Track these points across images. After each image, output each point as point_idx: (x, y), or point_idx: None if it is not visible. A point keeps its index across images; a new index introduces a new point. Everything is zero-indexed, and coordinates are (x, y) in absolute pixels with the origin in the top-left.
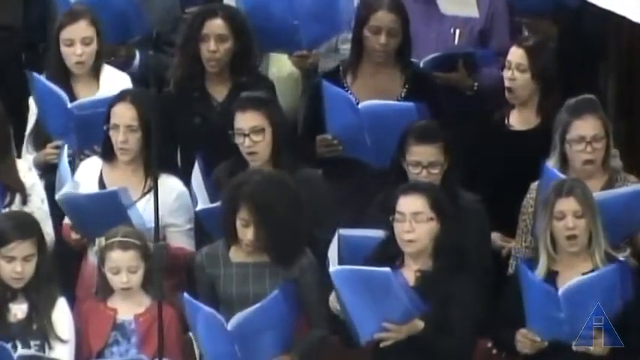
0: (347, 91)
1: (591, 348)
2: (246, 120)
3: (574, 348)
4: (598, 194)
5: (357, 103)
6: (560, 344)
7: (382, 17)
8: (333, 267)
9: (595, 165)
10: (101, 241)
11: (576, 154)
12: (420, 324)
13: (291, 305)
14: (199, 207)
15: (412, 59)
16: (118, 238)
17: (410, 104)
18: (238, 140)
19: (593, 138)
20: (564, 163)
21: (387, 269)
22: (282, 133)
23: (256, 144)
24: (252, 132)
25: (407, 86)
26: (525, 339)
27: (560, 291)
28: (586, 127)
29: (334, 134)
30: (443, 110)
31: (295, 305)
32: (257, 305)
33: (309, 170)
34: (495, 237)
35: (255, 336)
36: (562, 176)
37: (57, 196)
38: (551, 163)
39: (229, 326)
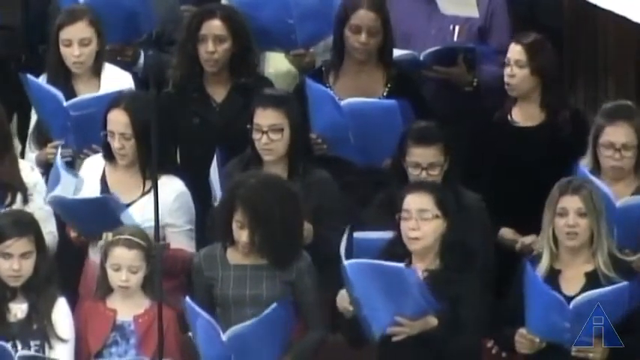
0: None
1: (590, 355)
2: (266, 117)
3: (573, 353)
4: (628, 198)
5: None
6: (559, 346)
7: (363, 16)
8: (347, 260)
9: (624, 171)
10: (108, 235)
11: (605, 159)
12: (433, 321)
13: (288, 318)
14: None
15: (412, 52)
16: (125, 236)
17: (392, 102)
18: (256, 136)
19: (623, 146)
20: (597, 166)
21: (401, 264)
22: (299, 133)
23: (273, 142)
24: (270, 130)
25: (389, 86)
26: (524, 339)
27: (572, 304)
28: (617, 134)
29: (318, 133)
30: (427, 110)
31: (291, 317)
32: (253, 320)
33: (322, 172)
34: (506, 232)
35: (251, 347)
36: (592, 177)
37: (47, 198)
38: (584, 164)
39: (225, 337)
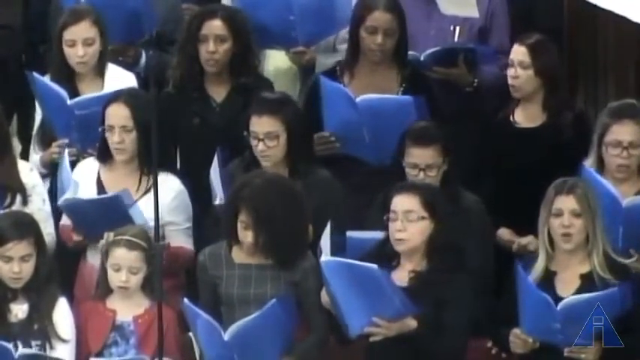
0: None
1: (583, 356)
2: (261, 125)
3: (566, 354)
4: (633, 198)
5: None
6: (553, 346)
7: (379, 17)
8: (324, 257)
9: (630, 170)
10: (109, 235)
11: (612, 157)
12: (412, 323)
13: (289, 315)
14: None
15: (413, 53)
16: (126, 237)
17: (408, 98)
18: (252, 143)
19: (630, 144)
20: (601, 165)
21: (374, 265)
22: (297, 136)
23: (270, 149)
24: (266, 137)
25: (404, 85)
26: (518, 339)
27: (560, 306)
28: (624, 132)
29: (332, 131)
30: (439, 109)
31: (293, 314)
32: (254, 315)
33: (323, 172)
34: (504, 233)
35: (253, 345)
36: (599, 177)
37: (59, 202)
38: (588, 165)
39: (226, 336)
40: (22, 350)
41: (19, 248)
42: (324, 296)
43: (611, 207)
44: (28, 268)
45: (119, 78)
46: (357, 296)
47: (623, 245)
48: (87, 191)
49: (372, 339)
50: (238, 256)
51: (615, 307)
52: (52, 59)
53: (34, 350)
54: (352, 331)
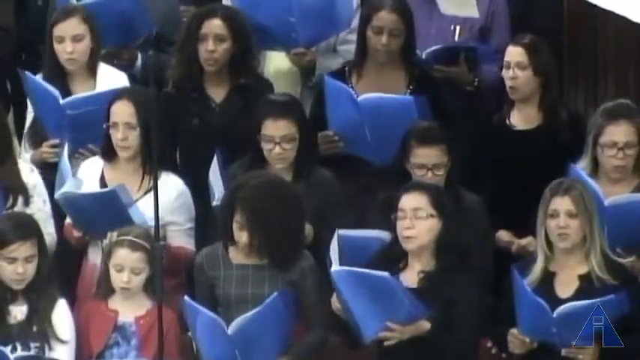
0: (352, 90)
1: (580, 356)
2: (278, 128)
3: (563, 354)
4: (617, 197)
5: None
6: (551, 346)
7: (384, 17)
8: (335, 267)
9: (625, 170)
10: (112, 235)
11: (607, 158)
12: (426, 325)
13: (290, 310)
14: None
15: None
16: (130, 237)
17: (409, 98)
18: (267, 147)
19: (626, 144)
20: (595, 166)
21: (386, 273)
22: (306, 137)
23: (286, 151)
24: (283, 140)
25: (411, 86)
26: (516, 339)
27: (556, 313)
28: (619, 132)
29: (335, 130)
30: (446, 110)
31: (294, 310)
32: (256, 309)
33: (324, 172)
34: (503, 234)
35: (255, 340)
36: (587, 178)
37: (56, 195)
38: (582, 166)
39: (230, 331)
40: (18, 353)
41: (23, 249)
42: (335, 302)
43: (597, 207)
44: (31, 269)
45: (111, 77)
46: (370, 302)
47: (608, 245)
48: (91, 189)
49: (386, 343)
50: (236, 256)
51: (612, 312)
52: (45, 58)
53: (32, 352)
54: (366, 337)
